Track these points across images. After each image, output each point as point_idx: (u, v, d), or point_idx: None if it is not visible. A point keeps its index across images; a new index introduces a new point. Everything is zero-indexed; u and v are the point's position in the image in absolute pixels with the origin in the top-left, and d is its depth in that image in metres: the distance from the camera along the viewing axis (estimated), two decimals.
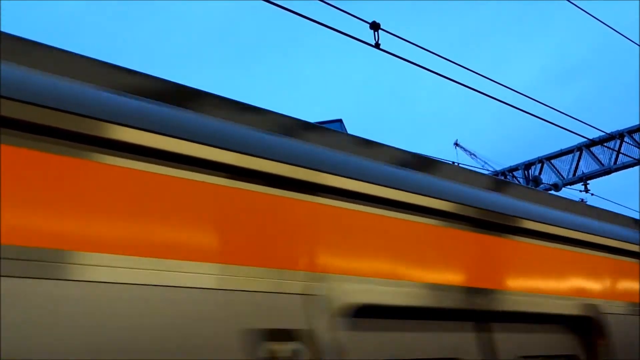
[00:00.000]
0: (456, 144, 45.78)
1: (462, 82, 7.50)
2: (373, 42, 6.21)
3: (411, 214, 3.07)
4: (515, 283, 3.61)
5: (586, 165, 19.49)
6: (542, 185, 18.38)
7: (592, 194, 19.35)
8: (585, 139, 16.41)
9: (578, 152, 19.51)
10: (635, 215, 7.59)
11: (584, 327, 4.09)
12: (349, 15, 5.95)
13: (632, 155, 18.10)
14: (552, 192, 16.45)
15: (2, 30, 2.00)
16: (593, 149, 19.21)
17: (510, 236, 3.70)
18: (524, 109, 8.28)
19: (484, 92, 7.90)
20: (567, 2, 8.89)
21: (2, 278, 1.68)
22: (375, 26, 6.20)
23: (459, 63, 7.25)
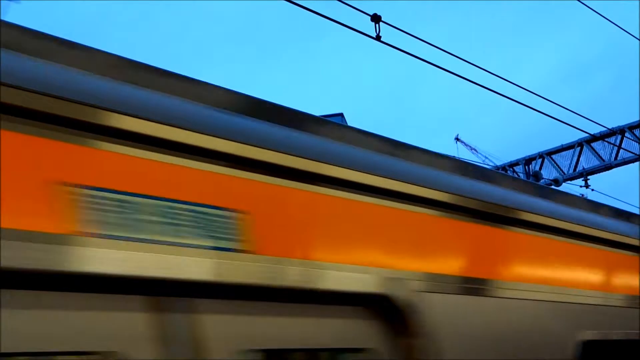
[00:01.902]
0: (457, 139, 45.66)
1: (464, 77, 7.48)
2: (374, 35, 6.19)
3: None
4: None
5: (587, 160, 19.47)
6: (542, 181, 18.36)
7: (593, 190, 19.36)
8: (586, 134, 16.38)
9: (579, 148, 19.48)
10: (635, 211, 7.59)
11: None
12: (352, 8, 5.94)
13: (632, 151, 18.08)
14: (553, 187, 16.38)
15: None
16: (594, 144, 19.19)
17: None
18: (526, 104, 8.28)
19: (487, 87, 7.88)
20: (578, 2, 8.86)
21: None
22: (376, 18, 6.18)
23: (459, 56, 7.24)
